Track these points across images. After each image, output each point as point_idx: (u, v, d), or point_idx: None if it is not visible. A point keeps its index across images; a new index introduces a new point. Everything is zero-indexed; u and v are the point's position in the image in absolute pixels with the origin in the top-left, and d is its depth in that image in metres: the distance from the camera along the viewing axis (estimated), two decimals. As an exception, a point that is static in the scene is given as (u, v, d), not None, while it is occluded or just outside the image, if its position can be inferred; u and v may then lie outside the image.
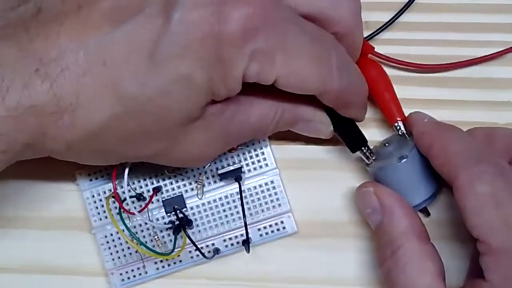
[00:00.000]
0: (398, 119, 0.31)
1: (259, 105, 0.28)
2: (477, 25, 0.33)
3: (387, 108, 0.31)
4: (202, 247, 0.31)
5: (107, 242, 0.31)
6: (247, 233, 0.30)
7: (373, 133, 0.32)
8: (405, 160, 0.29)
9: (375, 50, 0.32)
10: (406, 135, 0.30)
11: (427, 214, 0.31)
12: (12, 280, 0.32)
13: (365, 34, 0.33)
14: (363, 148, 0.30)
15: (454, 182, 0.26)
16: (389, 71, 0.32)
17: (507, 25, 0.33)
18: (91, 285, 0.32)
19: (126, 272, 0.31)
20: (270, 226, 0.31)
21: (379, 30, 0.33)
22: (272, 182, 0.31)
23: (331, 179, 0.32)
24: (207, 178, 0.31)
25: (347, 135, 0.30)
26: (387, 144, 0.31)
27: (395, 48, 0.33)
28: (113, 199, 0.30)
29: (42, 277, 0.32)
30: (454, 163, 0.27)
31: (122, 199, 0.30)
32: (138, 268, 0.31)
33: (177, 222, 0.31)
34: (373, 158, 0.30)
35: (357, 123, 0.30)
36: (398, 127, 0.31)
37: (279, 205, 0.31)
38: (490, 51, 0.32)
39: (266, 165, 0.31)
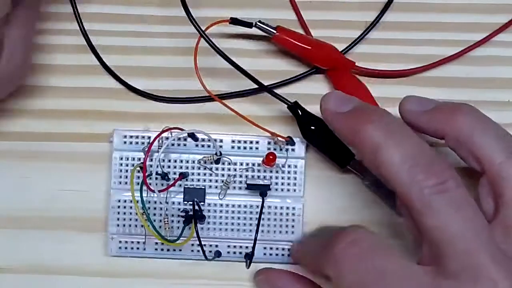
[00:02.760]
0: None
1: None
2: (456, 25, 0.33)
3: None
4: (204, 245, 0.31)
5: (118, 207, 0.31)
6: (253, 248, 0.29)
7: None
8: None
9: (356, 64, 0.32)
10: None
11: None
12: (12, 280, 0.32)
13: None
14: (351, 163, 0.30)
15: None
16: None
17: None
18: (91, 285, 0.32)
19: (126, 241, 0.31)
20: (277, 249, 0.31)
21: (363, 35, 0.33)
22: (293, 208, 0.31)
23: (332, 179, 0.32)
24: (234, 182, 0.31)
25: (332, 153, 0.31)
26: None
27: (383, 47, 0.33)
28: (139, 169, 0.30)
29: (42, 277, 0.32)
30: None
31: (148, 173, 0.30)
32: (138, 242, 0.31)
33: (190, 213, 0.30)
34: (364, 170, 0.30)
35: None
36: None
37: (293, 232, 0.31)
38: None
39: (295, 190, 0.31)
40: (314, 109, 0.30)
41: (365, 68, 0.32)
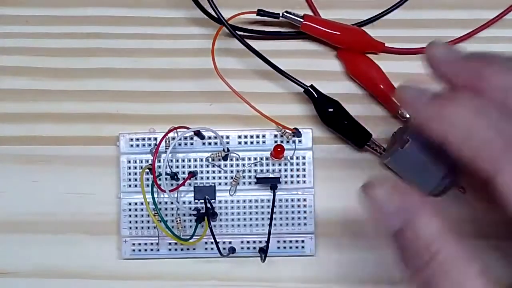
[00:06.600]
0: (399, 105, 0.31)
1: None
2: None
3: (387, 99, 0.31)
4: (218, 242, 0.31)
5: (130, 210, 0.31)
6: (268, 242, 0.29)
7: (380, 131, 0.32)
8: (407, 144, 0.28)
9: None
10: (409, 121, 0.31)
11: (463, 190, 0.29)
12: (22, 284, 0.32)
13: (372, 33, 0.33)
14: (368, 142, 0.31)
15: (491, 181, 0.22)
16: (391, 70, 0.32)
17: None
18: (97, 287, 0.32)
19: (139, 243, 0.31)
20: (290, 241, 0.31)
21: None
22: (305, 200, 0.31)
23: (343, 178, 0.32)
24: (244, 177, 0.31)
25: (350, 134, 0.31)
26: (393, 135, 0.31)
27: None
28: (148, 170, 0.30)
29: (52, 281, 0.32)
30: (485, 158, 0.22)
31: (157, 174, 0.30)
32: (152, 244, 0.31)
33: (202, 211, 0.30)
34: (382, 149, 0.31)
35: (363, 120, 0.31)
36: (402, 113, 0.31)
37: (305, 224, 0.31)
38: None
39: (304, 182, 0.31)
40: (329, 91, 0.31)
41: (395, 48, 0.33)
